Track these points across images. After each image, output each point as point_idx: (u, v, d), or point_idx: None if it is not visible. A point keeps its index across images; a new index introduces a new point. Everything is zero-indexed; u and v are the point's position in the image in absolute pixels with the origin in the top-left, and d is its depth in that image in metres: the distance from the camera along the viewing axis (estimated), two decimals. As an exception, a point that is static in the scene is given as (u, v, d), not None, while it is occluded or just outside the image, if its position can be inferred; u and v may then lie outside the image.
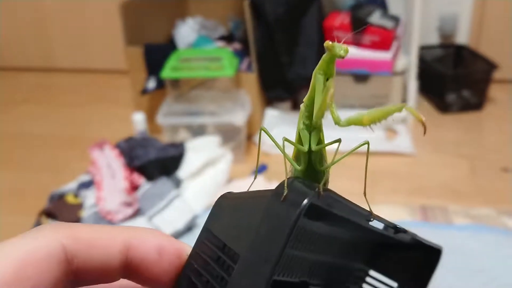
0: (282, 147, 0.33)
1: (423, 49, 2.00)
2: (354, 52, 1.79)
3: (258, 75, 1.80)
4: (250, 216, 0.29)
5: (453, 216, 1.29)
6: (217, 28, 2.11)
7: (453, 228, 1.24)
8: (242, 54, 1.88)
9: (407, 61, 1.86)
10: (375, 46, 1.79)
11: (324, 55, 0.31)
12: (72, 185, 1.49)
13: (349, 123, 0.31)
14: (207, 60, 1.75)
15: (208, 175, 1.51)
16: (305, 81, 1.75)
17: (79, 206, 1.40)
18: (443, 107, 1.96)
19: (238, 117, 1.67)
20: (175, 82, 1.82)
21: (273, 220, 0.27)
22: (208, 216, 0.31)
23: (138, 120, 1.65)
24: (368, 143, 0.33)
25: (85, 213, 1.37)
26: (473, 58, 2.04)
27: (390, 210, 1.32)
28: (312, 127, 0.33)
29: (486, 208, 1.35)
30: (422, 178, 1.57)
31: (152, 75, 1.84)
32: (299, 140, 0.33)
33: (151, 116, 1.77)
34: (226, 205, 0.31)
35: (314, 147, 0.33)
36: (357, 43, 1.80)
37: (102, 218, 1.34)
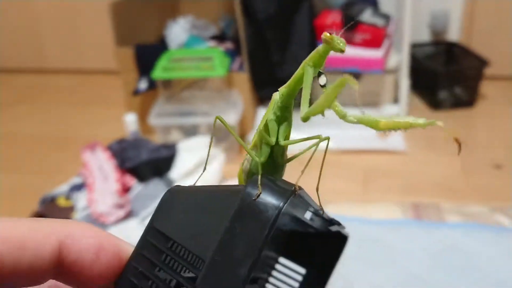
0: (239, 138, 0.32)
1: (415, 46, 2.00)
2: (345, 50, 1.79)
3: (250, 74, 1.80)
4: (210, 215, 0.27)
5: (446, 213, 1.29)
6: (209, 27, 2.10)
7: (446, 226, 1.24)
8: (234, 53, 1.88)
9: (399, 59, 1.86)
10: (366, 44, 1.79)
11: (319, 47, 0.30)
12: (63, 187, 1.48)
13: (360, 121, 0.29)
14: (198, 60, 1.75)
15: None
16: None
17: (71, 209, 1.39)
18: (435, 104, 1.96)
19: (230, 117, 1.67)
20: (167, 83, 1.81)
21: (248, 220, 0.25)
22: (154, 213, 0.28)
23: (130, 121, 1.64)
24: (328, 138, 0.32)
25: (77, 216, 1.36)
26: (464, 55, 2.05)
27: (382, 208, 1.32)
28: (282, 120, 0.31)
29: (479, 205, 1.35)
30: (414, 176, 1.58)
31: (143, 76, 1.83)
32: (265, 131, 0.31)
33: (143, 117, 1.77)
34: (176, 201, 0.29)
35: (282, 141, 0.32)
36: (349, 41, 1.79)
37: (94, 221, 1.33)
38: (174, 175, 1.48)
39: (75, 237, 0.25)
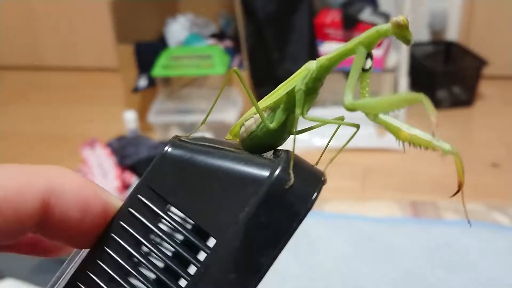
0: (252, 95, 0.30)
1: (414, 46, 2.01)
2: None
3: (249, 72, 1.80)
4: (224, 190, 0.24)
5: (443, 211, 1.30)
6: (208, 25, 2.10)
7: (443, 224, 1.25)
8: (233, 51, 1.88)
9: (398, 58, 1.87)
10: (365, 43, 1.79)
11: (381, 27, 0.27)
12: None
13: (385, 124, 0.27)
14: (197, 58, 1.75)
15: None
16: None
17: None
18: (434, 103, 1.92)
19: (230, 115, 1.67)
20: (166, 80, 1.81)
21: (276, 210, 0.24)
22: (150, 170, 0.25)
23: (129, 118, 1.64)
24: (358, 126, 0.30)
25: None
26: (463, 55, 2.05)
27: (381, 206, 1.32)
28: (311, 92, 0.29)
29: (476, 203, 1.36)
30: (412, 174, 1.58)
31: (143, 73, 1.83)
32: (289, 99, 0.30)
33: (142, 115, 1.77)
34: (179, 160, 0.25)
35: (306, 115, 0.30)
36: (348, 40, 1.80)
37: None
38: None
39: (60, 193, 0.23)
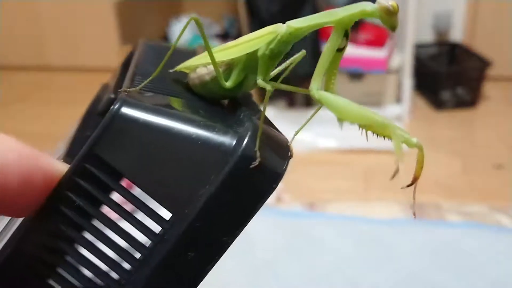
0: (210, 48, 0.27)
1: (418, 47, 2.01)
2: (348, 50, 1.79)
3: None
4: (183, 163, 0.22)
5: (446, 213, 1.30)
6: (212, 26, 2.11)
7: (446, 225, 1.25)
8: (236, 52, 1.89)
9: (402, 59, 1.87)
10: (369, 44, 1.79)
11: (366, 8, 0.26)
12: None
13: (338, 114, 0.26)
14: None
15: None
16: (299, 79, 1.76)
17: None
18: (437, 104, 1.96)
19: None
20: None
21: (239, 191, 0.22)
22: (97, 135, 0.22)
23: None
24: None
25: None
26: (467, 56, 2.05)
27: (383, 208, 1.32)
28: (276, 57, 0.28)
29: (479, 205, 1.36)
30: (416, 175, 1.58)
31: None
32: (250, 61, 0.28)
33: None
34: (130, 124, 0.23)
35: (269, 81, 0.28)
36: (351, 41, 1.80)
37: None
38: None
39: None
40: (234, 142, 0.23)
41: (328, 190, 1.42)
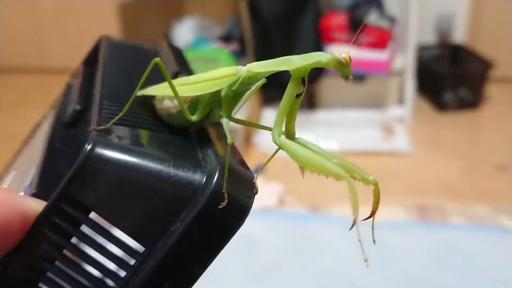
0: (173, 86, 0.28)
1: (420, 49, 2.01)
2: (350, 52, 1.80)
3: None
4: (154, 200, 0.23)
5: (450, 215, 1.30)
6: (215, 28, 2.11)
7: (450, 227, 1.25)
8: (240, 54, 1.89)
9: (404, 61, 1.87)
10: (371, 46, 1.79)
11: (321, 59, 0.28)
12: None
13: (294, 157, 0.27)
14: (204, 61, 1.76)
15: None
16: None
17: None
18: (440, 106, 1.96)
19: (236, 117, 1.68)
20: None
21: (208, 229, 0.24)
22: (71, 177, 0.23)
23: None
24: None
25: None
26: (469, 57, 2.05)
27: (386, 209, 1.32)
28: (238, 96, 0.30)
29: (483, 207, 1.35)
30: (418, 177, 1.58)
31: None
32: (213, 99, 0.30)
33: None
34: (103, 165, 0.23)
35: (232, 117, 0.30)
36: (354, 43, 1.80)
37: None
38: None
39: None
40: (203, 181, 0.24)
41: (330, 193, 1.42)
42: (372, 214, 0.29)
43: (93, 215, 0.24)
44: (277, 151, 0.30)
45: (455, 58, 2.11)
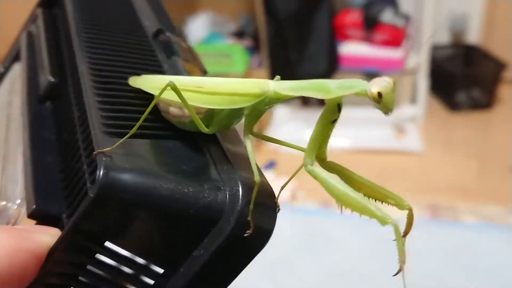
0: (186, 102, 0.26)
1: (434, 48, 2.00)
2: (364, 50, 1.80)
3: (269, 71, 1.81)
4: (175, 226, 0.23)
5: (461, 214, 1.30)
6: (228, 24, 2.11)
7: (461, 226, 1.25)
8: (253, 50, 1.89)
9: (418, 60, 1.86)
10: (385, 44, 1.79)
11: (359, 90, 0.25)
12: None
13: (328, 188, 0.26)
14: (218, 56, 1.77)
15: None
16: (315, 78, 1.76)
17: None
18: (453, 106, 1.96)
19: (259, 133, 1.68)
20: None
21: (233, 255, 0.24)
22: (83, 213, 0.22)
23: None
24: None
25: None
26: (483, 58, 2.04)
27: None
28: (258, 115, 0.27)
29: (494, 206, 1.35)
30: (430, 177, 1.58)
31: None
32: (232, 114, 0.27)
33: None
34: (118, 194, 0.22)
35: (255, 133, 0.28)
36: (368, 40, 1.80)
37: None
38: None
39: None
40: (225, 207, 0.23)
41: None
42: (405, 235, 0.27)
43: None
44: (298, 169, 0.28)
45: (468, 59, 2.10)
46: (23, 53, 0.37)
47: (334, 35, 1.78)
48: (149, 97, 0.28)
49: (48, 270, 0.23)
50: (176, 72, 0.32)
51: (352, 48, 1.80)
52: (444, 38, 2.16)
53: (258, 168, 0.25)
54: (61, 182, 0.26)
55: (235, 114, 0.27)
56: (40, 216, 0.25)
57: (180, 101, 0.26)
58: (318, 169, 0.26)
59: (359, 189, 0.27)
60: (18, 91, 0.34)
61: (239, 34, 2.06)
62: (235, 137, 0.29)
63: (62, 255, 0.23)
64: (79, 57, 0.30)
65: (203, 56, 1.84)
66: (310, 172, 0.26)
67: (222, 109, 0.27)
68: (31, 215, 0.25)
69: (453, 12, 2.11)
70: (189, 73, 0.32)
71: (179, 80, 0.27)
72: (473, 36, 2.14)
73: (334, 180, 0.25)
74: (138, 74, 0.31)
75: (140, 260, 0.24)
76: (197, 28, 2.02)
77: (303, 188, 1.35)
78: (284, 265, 1.11)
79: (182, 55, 0.34)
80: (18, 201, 0.27)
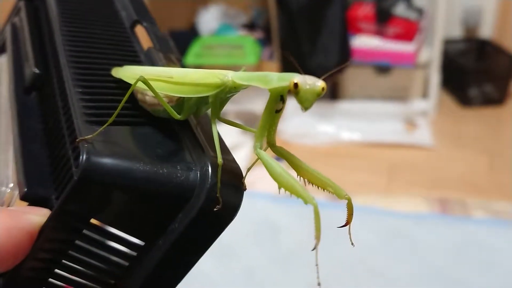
0: (157, 93, 0.29)
1: (446, 42, 1.99)
2: (376, 43, 1.79)
3: (280, 63, 1.81)
4: (151, 203, 0.26)
5: (471, 209, 1.30)
6: (239, 16, 2.11)
7: (471, 222, 1.24)
8: (264, 42, 1.89)
9: (430, 54, 1.85)
10: (398, 37, 1.78)
11: (284, 85, 0.27)
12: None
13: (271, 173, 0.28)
14: (230, 48, 1.77)
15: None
16: (326, 71, 1.76)
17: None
18: (465, 101, 1.95)
19: (259, 105, 1.68)
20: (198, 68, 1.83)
21: (203, 227, 0.26)
22: (69, 194, 0.25)
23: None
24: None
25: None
26: (496, 53, 2.02)
27: (407, 201, 1.32)
28: (223, 101, 0.30)
29: (504, 202, 1.35)
30: (441, 171, 1.57)
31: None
32: (200, 101, 0.30)
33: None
34: (99, 177, 0.25)
35: (220, 118, 0.31)
36: (380, 34, 1.79)
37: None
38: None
39: None
40: (196, 185, 0.26)
41: (351, 183, 1.42)
42: (347, 224, 0.31)
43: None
44: (256, 160, 0.31)
45: (481, 53, 2.08)
46: (8, 45, 0.40)
47: (346, 28, 1.78)
48: (128, 86, 0.31)
49: (39, 246, 0.26)
50: (152, 62, 0.35)
51: (364, 41, 1.79)
52: (457, 32, 2.14)
53: (227, 149, 0.29)
54: (49, 167, 0.29)
55: (202, 101, 0.30)
56: (31, 198, 0.28)
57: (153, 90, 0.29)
58: (263, 152, 0.29)
59: (303, 175, 0.30)
60: (5, 82, 0.37)
61: (251, 26, 2.06)
62: (206, 123, 0.32)
63: (52, 232, 0.26)
64: (60, 49, 0.33)
65: (215, 47, 1.84)
66: (257, 155, 0.29)
67: (191, 97, 0.30)
68: (23, 198, 0.28)
69: (467, 6, 2.09)
70: (165, 63, 0.35)
71: (152, 70, 0.31)
72: (486, 31, 2.12)
73: (274, 162, 0.28)
74: (117, 65, 0.33)
75: (123, 235, 0.27)
76: (208, 20, 2.02)
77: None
78: (294, 255, 1.12)
79: (158, 45, 0.37)
80: (11, 185, 0.30)
